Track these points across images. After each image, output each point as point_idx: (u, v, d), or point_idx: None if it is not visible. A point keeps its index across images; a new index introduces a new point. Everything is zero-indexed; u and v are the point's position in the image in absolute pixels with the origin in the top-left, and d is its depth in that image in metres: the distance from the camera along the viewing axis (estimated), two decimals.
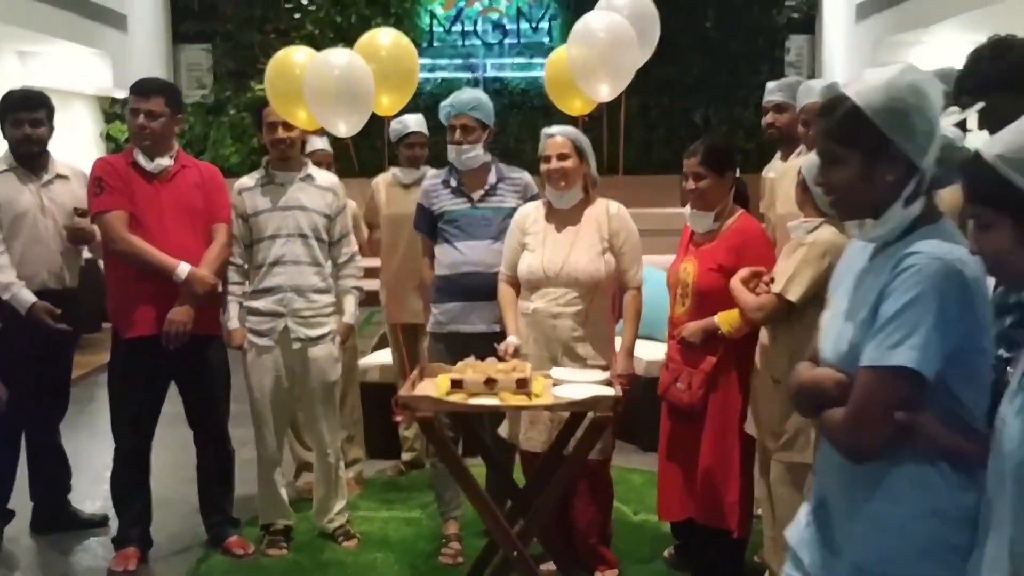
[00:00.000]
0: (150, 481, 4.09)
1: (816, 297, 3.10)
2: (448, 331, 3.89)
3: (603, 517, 3.78)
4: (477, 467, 3.66)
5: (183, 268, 3.78)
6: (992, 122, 2.27)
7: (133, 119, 3.86)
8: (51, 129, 4.21)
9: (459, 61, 11.84)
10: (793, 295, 3.15)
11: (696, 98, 11.70)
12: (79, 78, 9.78)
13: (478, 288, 3.84)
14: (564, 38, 11.40)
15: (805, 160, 3.34)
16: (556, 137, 3.68)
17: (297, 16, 11.38)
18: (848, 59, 10.30)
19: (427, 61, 11.91)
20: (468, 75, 11.68)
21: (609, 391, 3.14)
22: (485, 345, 3.62)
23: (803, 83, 4.04)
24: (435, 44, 11.97)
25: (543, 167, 3.68)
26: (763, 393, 3.33)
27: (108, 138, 11.00)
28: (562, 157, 3.64)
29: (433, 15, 11.32)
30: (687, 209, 3.70)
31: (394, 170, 4.98)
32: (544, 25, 11.67)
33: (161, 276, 3.80)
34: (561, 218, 3.71)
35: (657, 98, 11.47)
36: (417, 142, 4.91)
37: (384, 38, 4.53)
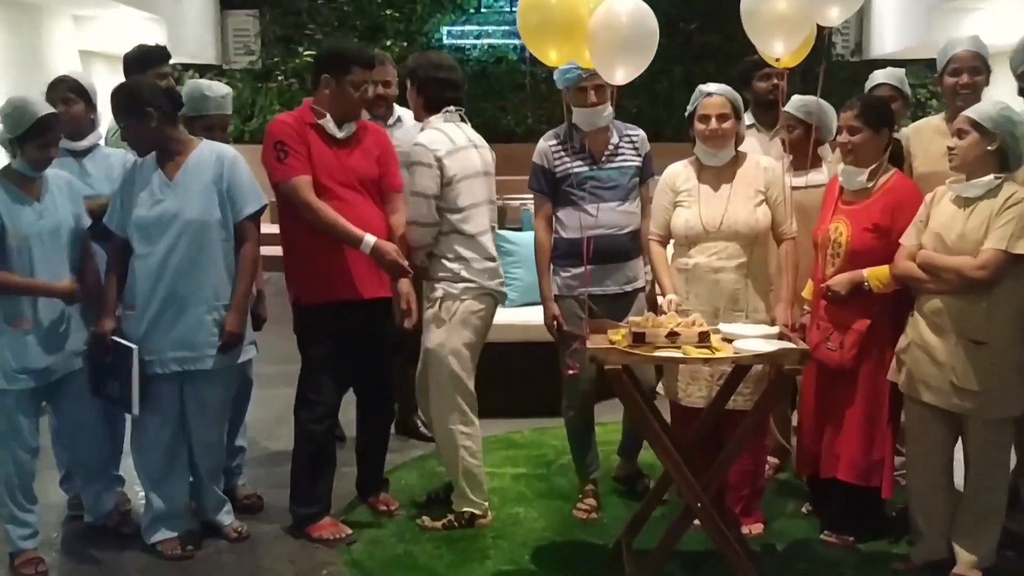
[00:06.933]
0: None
1: None
2: (578, 294, 3.88)
3: (757, 469, 3.83)
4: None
5: (369, 239, 3.60)
6: None
7: (362, 92, 3.73)
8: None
9: (506, 28, 11.85)
10: (1022, 248, 3.14)
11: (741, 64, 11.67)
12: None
13: (610, 250, 3.88)
14: None
15: (976, 109, 3.28)
16: (715, 97, 3.69)
17: None
18: (900, 26, 10.27)
19: (474, 28, 11.97)
20: (518, 41, 11.67)
21: (791, 344, 3.17)
22: (617, 305, 3.72)
23: (948, 39, 4.00)
24: (482, 10, 12.10)
25: (699, 126, 3.70)
26: (952, 356, 3.27)
27: None
28: (722, 117, 3.67)
29: None
30: (839, 166, 3.73)
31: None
32: None
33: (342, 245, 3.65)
34: (713, 175, 3.74)
35: (703, 65, 11.41)
36: None
37: None
